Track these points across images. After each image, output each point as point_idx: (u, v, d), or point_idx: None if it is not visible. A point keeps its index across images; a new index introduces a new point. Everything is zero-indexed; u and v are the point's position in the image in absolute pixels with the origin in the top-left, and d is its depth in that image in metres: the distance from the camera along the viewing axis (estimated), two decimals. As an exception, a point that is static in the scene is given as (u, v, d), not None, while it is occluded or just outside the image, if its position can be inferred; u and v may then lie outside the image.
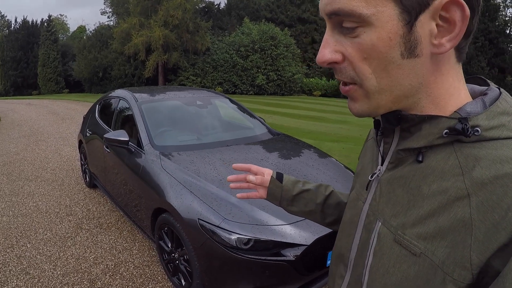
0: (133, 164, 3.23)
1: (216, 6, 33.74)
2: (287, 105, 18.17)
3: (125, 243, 3.56)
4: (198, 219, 2.38)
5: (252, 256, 2.19)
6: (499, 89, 0.58)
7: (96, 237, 3.67)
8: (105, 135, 3.34)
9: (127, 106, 3.83)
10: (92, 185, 5.02)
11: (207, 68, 26.92)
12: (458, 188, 0.51)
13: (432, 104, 0.56)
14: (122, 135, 3.29)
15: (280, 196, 1.02)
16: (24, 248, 3.44)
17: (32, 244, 3.50)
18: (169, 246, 2.81)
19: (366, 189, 0.69)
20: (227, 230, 2.26)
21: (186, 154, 3.12)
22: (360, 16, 0.50)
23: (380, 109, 0.58)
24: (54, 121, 11.84)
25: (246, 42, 26.88)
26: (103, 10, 31.35)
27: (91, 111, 5.09)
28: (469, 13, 0.49)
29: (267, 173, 1.04)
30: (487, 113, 0.52)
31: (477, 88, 0.62)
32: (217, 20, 31.43)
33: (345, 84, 0.58)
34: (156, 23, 23.64)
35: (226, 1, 33.60)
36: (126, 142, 3.28)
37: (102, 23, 40.03)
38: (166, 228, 2.79)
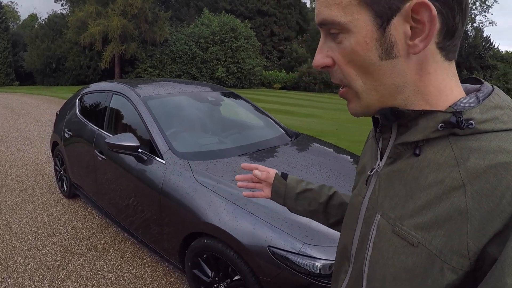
0: (147, 176, 2.60)
1: (174, -4, 32.40)
2: (251, 98, 17.68)
3: (133, 269, 2.92)
4: (269, 246, 1.87)
5: None
6: (492, 86, 0.61)
7: (94, 264, 2.99)
8: (107, 140, 2.67)
9: (126, 102, 3.15)
10: (72, 195, 4.25)
11: (165, 60, 25.66)
12: (454, 178, 0.53)
13: (423, 100, 0.59)
14: (129, 140, 2.64)
15: (284, 193, 1.04)
16: (4, 286, 2.70)
17: (13, 280, 2.76)
18: (210, 276, 2.25)
19: (366, 184, 0.71)
20: (309, 256, 1.83)
21: (219, 163, 2.54)
22: (340, 24, 0.56)
23: (371, 107, 0.61)
24: (10, 117, 10.42)
25: (206, 33, 25.94)
26: (58, -3, 28.98)
27: (68, 107, 4.30)
28: (435, 13, 0.52)
29: (272, 171, 1.07)
30: (481, 107, 0.55)
31: (471, 86, 0.65)
32: (175, 10, 30.17)
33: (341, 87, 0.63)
34: (114, 12, 22.03)
35: (183, -9, 32.32)
36: (136, 148, 2.64)
37: (55, 11, 37.19)
38: (205, 255, 2.23)
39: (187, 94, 3.43)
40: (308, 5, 40.47)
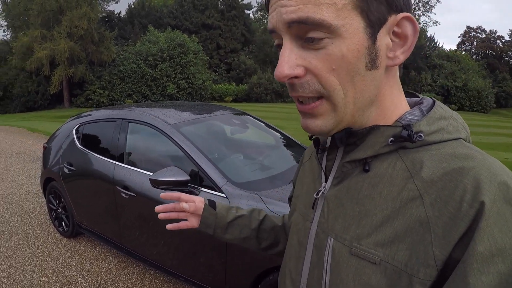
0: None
1: (117, 15, 31.37)
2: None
3: (180, 314, 2.67)
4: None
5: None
6: (432, 98, 0.63)
7: (134, 313, 2.70)
8: (151, 177, 2.43)
9: (152, 131, 2.90)
10: (75, 234, 3.86)
11: (115, 80, 24.79)
12: (409, 189, 0.53)
13: (381, 116, 0.59)
14: (178, 174, 2.42)
15: (214, 224, 0.97)
16: None
17: None
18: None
19: (313, 208, 0.68)
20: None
21: (283, 190, 2.40)
22: (331, 27, 0.50)
23: (342, 123, 0.58)
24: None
25: (154, 50, 25.42)
26: (-1, 24, 27.22)
27: (59, 139, 3.91)
28: (419, 27, 0.54)
29: (199, 201, 0.98)
30: (427, 119, 0.56)
31: (410, 100, 0.67)
32: (119, 29, 29.26)
33: (301, 101, 0.58)
34: (60, 34, 21.21)
35: (126, 10, 31.43)
36: (186, 183, 2.42)
37: None
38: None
39: (213, 118, 3.25)
40: (251, 16, 41.01)
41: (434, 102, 0.61)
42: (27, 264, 3.40)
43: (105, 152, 3.26)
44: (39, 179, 6.09)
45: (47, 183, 4.08)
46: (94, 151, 3.38)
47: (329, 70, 0.53)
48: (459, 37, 67.74)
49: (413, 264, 0.50)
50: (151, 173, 2.78)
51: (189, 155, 2.59)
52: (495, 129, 14.28)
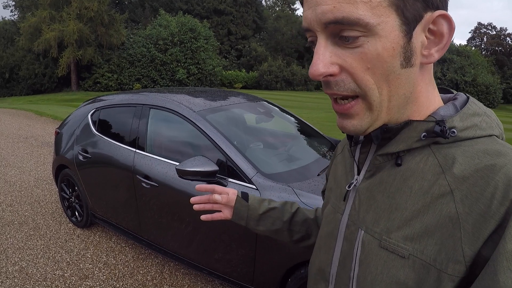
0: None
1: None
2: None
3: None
4: None
5: None
6: (466, 94, 0.62)
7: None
8: (178, 167, 2.23)
9: (176, 118, 2.70)
10: (89, 224, 3.70)
11: (123, 64, 24.54)
12: (441, 185, 0.53)
13: (416, 112, 0.58)
14: (206, 164, 2.22)
15: (247, 215, 0.99)
16: None
17: None
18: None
19: (344, 200, 0.69)
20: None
21: (315, 181, 2.21)
22: (367, 26, 0.50)
23: (378, 122, 0.57)
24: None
25: (165, 35, 25.12)
26: (6, 3, 26.89)
27: (73, 124, 3.72)
28: (455, 25, 0.53)
29: (232, 193, 1.01)
30: (461, 115, 0.56)
31: (444, 95, 0.66)
32: (130, 12, 28.96)
33: (337, 100, 0.57)
34: (69, 16, 20.75)
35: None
36: (214, 174, 2.23)
37: (5, 17, 34.62)
38: None
39: (239, 106, 3.03)
40: (264, 3, 40.42)
41: (468, 98, 0.61)
42: (39, 256, 3.24)
43: (123, 139, 3.06)
44: (49, 165, 6.00)
45: (59, 170, 3.91)
46: (112, 138, 3.18)
47: (364, 69, 0.52)
48: (469, 32, 67.20)
49: (442, 259, 0.50)
50: (174, 163, 2.60)
51: (217, 144, 2.38)
52: (504, 124, 13.96)
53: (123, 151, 2.98)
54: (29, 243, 3.49)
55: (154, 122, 2.87)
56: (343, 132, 0.61)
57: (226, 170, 2.31)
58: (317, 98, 23.00)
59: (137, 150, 2.87)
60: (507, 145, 0.55)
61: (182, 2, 30.50)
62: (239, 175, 2.25)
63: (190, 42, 25.90)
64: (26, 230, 3.74)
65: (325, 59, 0.53)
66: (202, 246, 2.47)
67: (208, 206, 1.01)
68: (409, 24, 0.51)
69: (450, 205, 0.51)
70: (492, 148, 0.53)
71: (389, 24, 0.50)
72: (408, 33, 0.52)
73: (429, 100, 0.59)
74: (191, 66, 26.17)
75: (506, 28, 60.20)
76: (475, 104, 0.59)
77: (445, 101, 0.63)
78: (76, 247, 3.40)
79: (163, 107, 2.80)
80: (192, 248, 2.56)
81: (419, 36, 0.53)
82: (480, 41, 52.29)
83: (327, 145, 3.06)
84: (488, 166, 0.50)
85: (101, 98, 3.68)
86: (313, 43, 0.57)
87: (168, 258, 2.82)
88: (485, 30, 51.98)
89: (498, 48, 48.83)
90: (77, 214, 3.79)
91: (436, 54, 0.54)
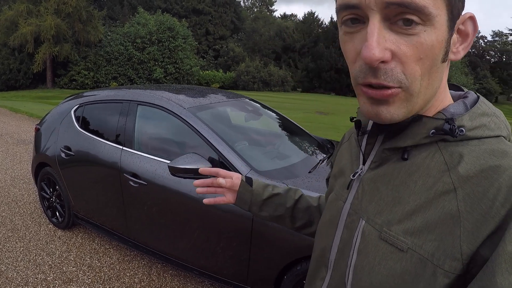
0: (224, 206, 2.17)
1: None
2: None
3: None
4: None
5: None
6: (476, 93, 0.62)
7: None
8: (171, 164, 2.18)
9: (164, 115, 2.64)
10: (71, 225, 3.58)
11: (100, 62, 24.00)
12: (445, 182, 0.53)
13: (433, 106, 0.58)
14: (199, 161, 2.19)
15: (250, 200, 0.99)
16: None
17: None
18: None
19: (347, 188, 0.69)
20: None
21: (309, 178, 2.21)
22: (430, 15, 0.49)
23: (412, 113, 0.56)
24: None
25: (143, 33, 24.72)
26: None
27: (55, 120, 3.59)
28: (478, 27, 0.55)
29: (236, 177, 1.01)
30: (470, 114, 0.56)
31: (454, 92, 0.67)
32: (108, 9, 28.38)
33: (375, 87, 0.53)
34: (47, 10, 20.11)
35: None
36: (207, 171, 2.20)
37: None
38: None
39: (227, 103, 3.00)
40: (242, 3, 40.40)
41: (478, 97, 0.61)
42: (19, 259, 3.11)
43: (109, 136, 2.98)
44: (26, 163, 5.79)
45: (39, 169, 3.77)
46: (97, 135, 3.09)
47: (417, 59, 0.51)
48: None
49: (439, 255, 0.51)
50: (164, 160, 2.55)
51: (208, 141, 2.35)
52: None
53: (109, 148, 2.90)
54: (8, 245, 3.34)
55: (142, 119, 2.81)
56: (372, 120, 0.58)
57: (219, 168, 2.28)
58: (294, 99, 23.13)
59: (124, 148, 2.80)
60: None
61: (161, 1, 30.14)
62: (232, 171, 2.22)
63: (168, 41, 25.61)
64: (3, 232, 3.58)
65: (381, 42, 0.50)
66: (194, 245, 2.43)
67: (211, 190, 1.01)
68: (453, 21, 0.52)
69: (452, 203, 0.51)
70: (499, 149, 0.53)
71: (442, 17, 0.51)
72: (451, 29, 0.53)
73: (443, 96, 0.60)
74: (168, 66, 25.89)
75: (479, 31, 62.70)
76: (485, 104, 0.59)
77: (455, 99, 0.64)
78: (58, 249, 3.28)
79: (152, 104, 2.74)
80: (182, 247, 2.51)
81: (454, 33, 0.54)
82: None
83: (315, 143, 3.07)
84: (493, 167, 0.51)
85: (84, 94, 3.57)
86: (354, 21, 0.53)
87: (156, 258, 2.76)
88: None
89: (471, 50, 50.97)
90: (58, 214, 3.66)
91: (462, 51, 0.56)
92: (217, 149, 2.30)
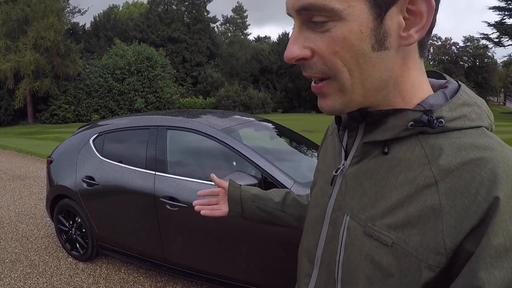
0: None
1: (82, 27, 30.38)
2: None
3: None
4: None
5: None
6: (458, 82, 0.61)
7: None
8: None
9: (198, 137, 2.71)
10: (94, 256, 3.53)
11: (81, 95, 23.72)
12: (426, 176, 0.53)
13: (400, 97, 0.58)
14: (247, 178, 2.25)
15: (240, 196, 1.02)
16: None
17: None
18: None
19: (331, 185, 0.69)
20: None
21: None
22: (332, 11, 0.50)
23: (353, 103, 0.58)
24: None
25: (121, 64, 24.68)
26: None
27: (74, 151, 3.58)
28: (434, 4, 0.51)
29: (225, 183, 1.07)
30: (450, 105, 0.55)
31: (435, 81, 0.65)
32: (85, 42, 28.30)
33: (316, 81, 0.59)
34: (25, 46, 19.92)
35: (91, 22, 30.53)
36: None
37: None
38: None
39: (251, 124, 3.10)
40: (216, 29, 41.06)
41: (459, 86, 0.60)
42: (47, 297, 3.04)
43: (138, 162, 3.00)
44: (27, 199, 5.67)
45: (55, 201, 3.72)
46: (123, 163, 3.11)
47: (332, 52, 0.53)
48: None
49: (423, 249, 0.50)
50: (203, 181, 2.60)
51: (249, 159, 2.43)
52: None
53: (139, 174, 2.93)
54: (29, 282, 3.26)
55: (173, 142, 2.86)
56: (323, 112, 0.62)
57: (263, 183, 2.34)
58: (279, 120, 23.34)
59: (157, 173, 2.83)
60: (496, 138, 0.55)
61: (137, 31, 30.35)
62: (277, 187, 2.29)
63: (147, 71, 25.64)
64: (21, 269, 3.49)
65: (298, 43, 0.56)
66: (244, 260, 2.45)
67: (205, 201, 1.10)
68: (379, 7, 0.51)
69: (434, 197, 0.51)
70: (480, 141, 0.53)
71: (356, 8, 0.51)
72: (379, 15, 0.51)
73: (414, 87, 0.58)
74: (149, 95, 25.83)
75: (450, 38, 64.73)
76: (465, 93, 0.58)
77: (436, 88, 0.63)
78: (85, 282, 3.22)
79: (183, 128, 2.80)
80: (230, 264, 2.53)
81: (395, 17, 0.52)
82: (427, 52, 56.44)
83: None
84: (475, 160, 0.50)
85: (99, 123, 3.60)
86: None
87: (195, 279, 2.76)
88: (431, 41, 56.25)
89: (444, 57, 51.82)
90: (78, 246, 3.61)
91: (415, 35, 0.53)
92: (259, 166, 2.38)
